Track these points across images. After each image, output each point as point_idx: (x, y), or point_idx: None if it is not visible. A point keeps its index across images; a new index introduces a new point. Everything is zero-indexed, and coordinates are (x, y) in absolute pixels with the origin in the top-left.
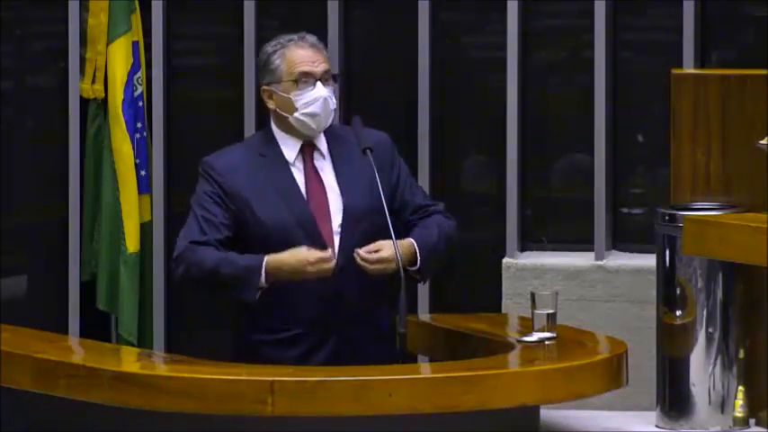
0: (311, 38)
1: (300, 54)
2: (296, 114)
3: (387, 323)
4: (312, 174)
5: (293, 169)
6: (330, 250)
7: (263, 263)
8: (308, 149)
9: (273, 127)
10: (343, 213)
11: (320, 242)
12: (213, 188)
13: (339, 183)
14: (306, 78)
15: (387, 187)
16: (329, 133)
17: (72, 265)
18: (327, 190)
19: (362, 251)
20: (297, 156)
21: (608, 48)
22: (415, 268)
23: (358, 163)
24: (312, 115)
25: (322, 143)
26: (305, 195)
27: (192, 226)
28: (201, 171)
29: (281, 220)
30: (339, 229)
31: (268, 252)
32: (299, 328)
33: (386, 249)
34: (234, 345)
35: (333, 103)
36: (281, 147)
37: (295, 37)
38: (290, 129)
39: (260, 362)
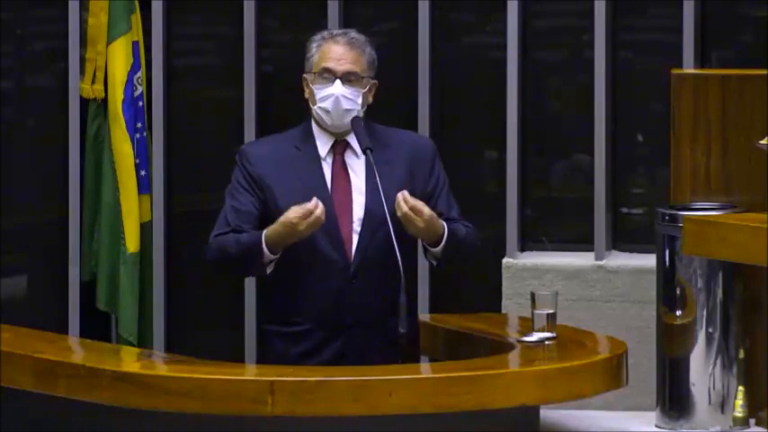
0: (355, 36)
1: (332, 49)
2: (315, 107)
3: (397, 330)
4: (340, 171)
5: (324, 165)
6: (314, 200)
7: (263, 238)
8: (340, 146)
9: (312, 121)
10: (365, 214)
11: (338, 240)
12: (244, 176)
13: (367, 183)
14: (327, 74)
15: (418, 193)
16: (370, 134)
17: (72, 265)
18: (353, 189)
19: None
20: (329, 152)
21: (608, 48)
22: (437, 249)
23: (393, 166)
24: (325, 111)
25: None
26: (329, 192)
27: (221, 218)
28: (237, 159)
29: None
30: (359, 229)
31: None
32: (308, 324)
33: (426, 210)
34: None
35: (349, 103)
36: (317, 141)
37: (338, 32)
38: (319, 122)
39: (269, 353)
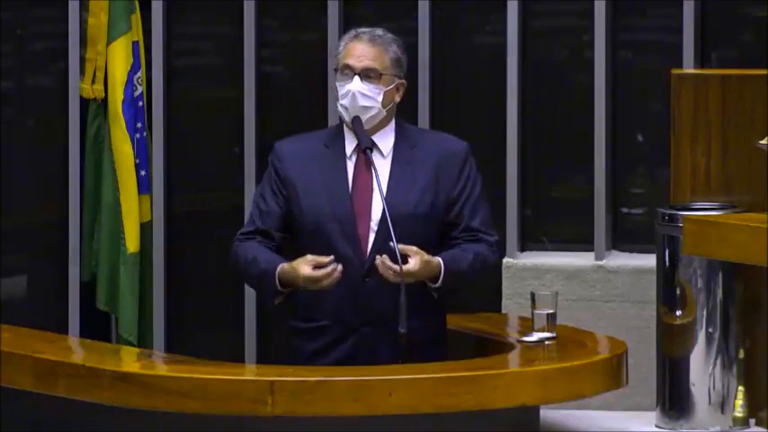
0: (379, 34)
1: (354, 47)
2: (338, 103)
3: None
4: (363, 170)
5: (349, 163)
6: (333, 265)
7: (277, 271)
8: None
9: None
10: (383, 214)
11: (354, 238)
12: (272, 174)
13: (389, 183)
14: (346, 70)
15: (443, 196)
16: (400, 133)
17: (72, 265)
18: (374, 188)
19: (389, 261)
20: (354, 150)
21: (608, 48)
22: (434, 285)
23: (417, 168)
24: (344, 107)
25: (386, 142)
26: (350, 190)
27: (249, 215)
28: (270, 155)
29: (320, 212)
30: (376, 228)
31: (309, 242)
32: (325, 321)
33: (413, 262)
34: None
35: (367, 100)
36: (345, 140)
37: (366, 30)
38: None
39: (289, 349)
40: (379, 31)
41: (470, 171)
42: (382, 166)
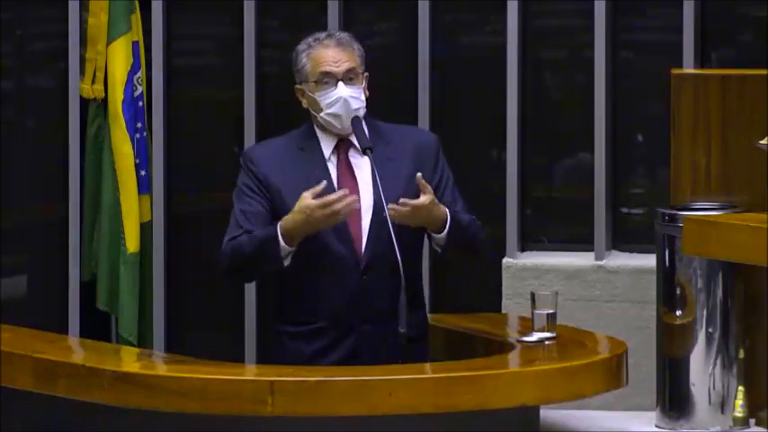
0: (341, 35)
1: (324, 54)
2: (322, 114)
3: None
4: (345, 170)
5: (328, 164)
6: (343, 190)
7: (278, 229)
8: (344, 145)
9: (314, 123)
10: (373, 211)
11: (347, 238)
12: (250, 179)
13: (374, 180)
14: (327, 78)
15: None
16: (372, 130)
17: (72, 265)
18: (360, 187)
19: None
20: (332, 151)
21: (608, 48)
22: (441, 235)
23: (398, 162)
24: (335, 116)
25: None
26: (335, 191)
27: (232, 223)
28: (241, 162)
29: None
30: (368, 226)
31: (301, 243)
32: (321, 322)
33: (424, 197)
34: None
35: (356, 102)
36: (320, 141)
37: (323, 36)
38: (323, 126)
39: (282, 353)
40: (338, 33)
41: (444, 160)
42: (363, 164)
